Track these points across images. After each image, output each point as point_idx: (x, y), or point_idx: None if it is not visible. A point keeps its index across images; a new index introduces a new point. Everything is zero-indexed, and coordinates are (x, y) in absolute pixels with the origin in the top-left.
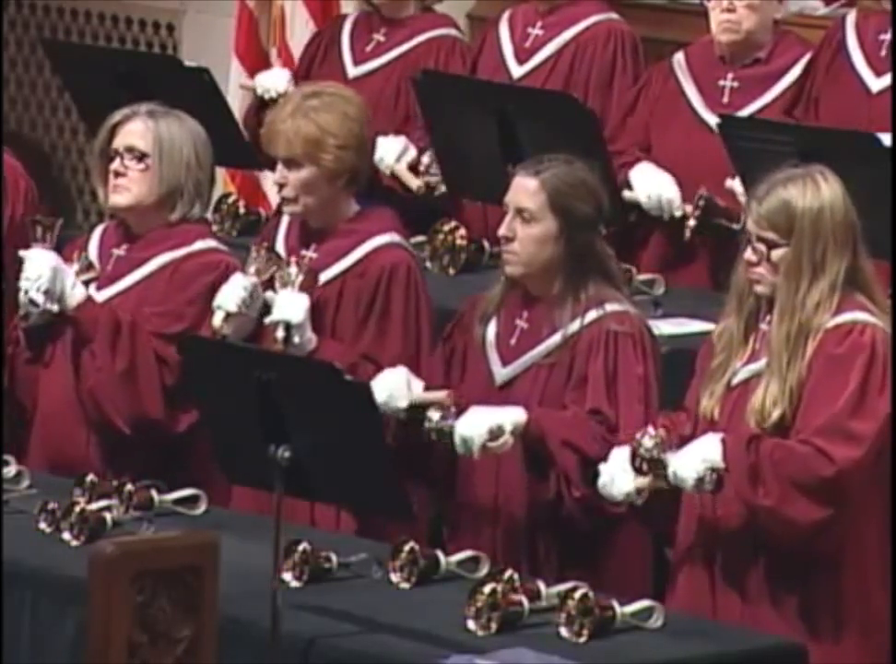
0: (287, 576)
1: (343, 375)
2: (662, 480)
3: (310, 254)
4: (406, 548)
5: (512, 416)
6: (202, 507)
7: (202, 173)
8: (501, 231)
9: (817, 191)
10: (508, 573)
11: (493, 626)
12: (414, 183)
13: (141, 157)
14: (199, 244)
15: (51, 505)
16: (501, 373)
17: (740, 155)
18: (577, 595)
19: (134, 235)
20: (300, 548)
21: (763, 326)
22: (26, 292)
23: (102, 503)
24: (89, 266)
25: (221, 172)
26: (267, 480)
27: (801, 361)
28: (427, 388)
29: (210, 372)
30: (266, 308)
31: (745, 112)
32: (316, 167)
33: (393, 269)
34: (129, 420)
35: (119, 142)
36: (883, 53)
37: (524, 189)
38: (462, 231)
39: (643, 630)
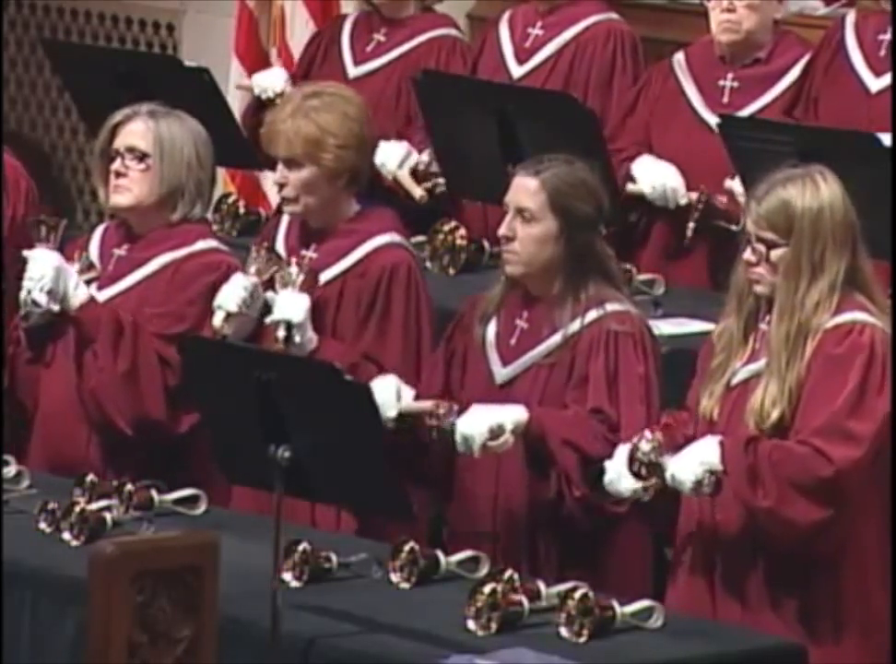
0: (287, 576)
1: (343, 375)
2: (660, 483)
3: (310, 254)
4: (406, 548)
5: (512, 415)
6: (202, 507)
7: (203, 173)
8: (502, 230)
9: (816, 191)
10: (508, 573)
11: (493, 626)
12: (417, 192)
13: (142, 157)
14: (200, 244)
15: (51, 505)
16: (501, 373)
17: (740, 155)
18: (577, 595)
19: (135, 235)
20: (300, 548)
21: (763, 326)
22: (29, 292)
23: (102, 503)
24: (90, 266)
25: (221, 172)
26: (267, 480)
27: (800, 361)
28: (427, 389)
29: (210, 372)
30: (267, 308)
31: (745, 112)
32: (317, 167)
33: (393, 269)
34: (131, 420)
35: (120, 142)
36: (882, 53)
37: (525, 189)
38: (462, 231)
39: (643, 630)
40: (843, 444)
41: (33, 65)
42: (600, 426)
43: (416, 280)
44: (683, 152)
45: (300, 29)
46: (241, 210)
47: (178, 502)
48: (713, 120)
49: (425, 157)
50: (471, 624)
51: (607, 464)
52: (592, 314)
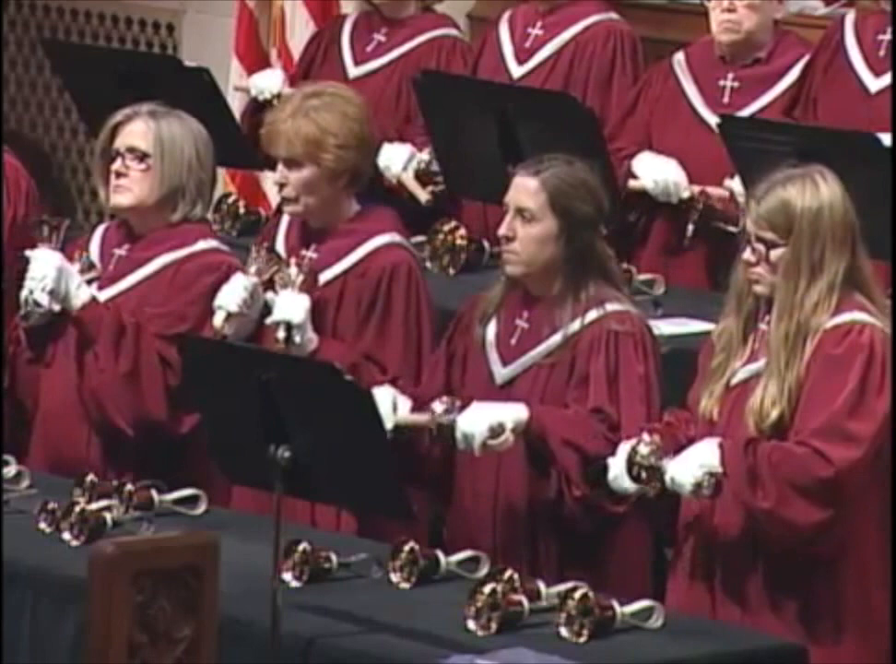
0: (287, 576)
1: (343, 375)
2: (660, 486)
3: (310, 254)
4: (406, 548)
5: (513, 413)
6: (202, 507)
7: (203, 173)
8: (502, 230)
9: (816, 191)
10: (508, 573)
11: (493, 626)
12: (423, 196)
13: (142, 157)
14: (201, 244)
15: (51, 505)
16: (501, 372)
17: (740, 155)
18: (577, 595)
19: (135, 235)
20: (300, 548)
21: (762, 326)
22: (31, 292)
23: (102, 503)
24: (91, 266)
25: (221, 172)
26: (267, 480)
27: (800, 361)
28: (428, 389)
29: (210, 372)
30: (267, 308)
31: (745, 112)
32: (317, 167)
33: (394, 269)
34: (132, 421)
35: (120, 142)
36: (882, 53)
37: (525, 189)
38: (462, 231)
39: (643, 630)
40: (843, 444)
41: (33, 65)
42: (600, 426)
43: (416, 280)
44: (683, 152)
45: (300, 29)
46: (241, 210)
47: (178, 502)
48: (713, 120)
49: (425, 156)
50: (471, 624)
51: (611, 461)
52: (592, 314)
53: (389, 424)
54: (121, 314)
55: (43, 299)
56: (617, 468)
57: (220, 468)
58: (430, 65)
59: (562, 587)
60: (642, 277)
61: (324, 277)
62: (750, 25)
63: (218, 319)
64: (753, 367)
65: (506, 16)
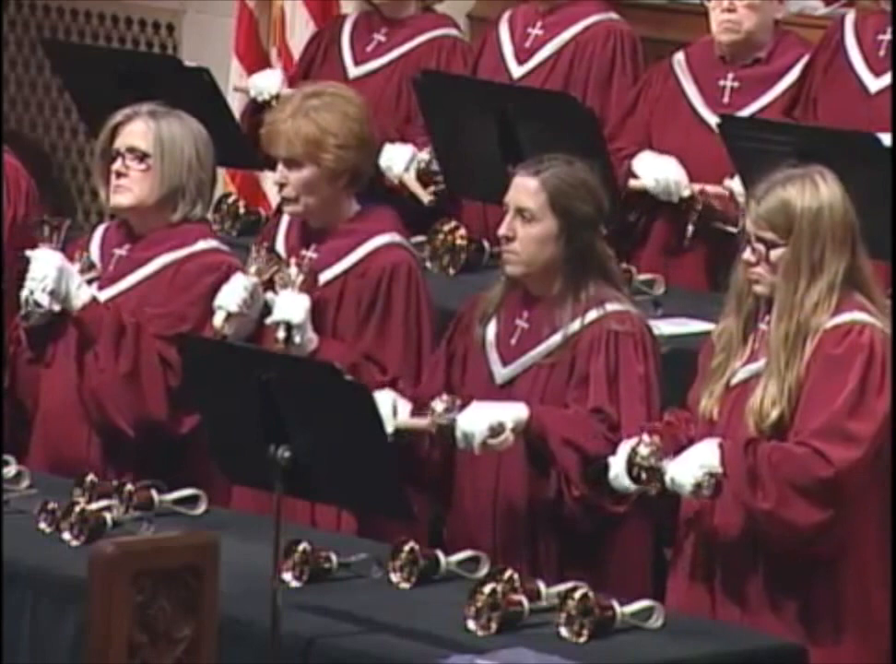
0: (287, 576)
1: (343, 375)
2: (660, 487)
3: (310, 254)
4: (406, 548)
5: (513, 413)
6: (202, 507)
7: (203, 173)
8: (502, 230)
9: (815, 191)
10: (508, 573)
11: (493, 626)
12: (425, 197)
13: (142, 157)
14: (201, 245)
15: (51, 505)
16: (501, 372)
17: (740, 155)
18: (577, 595)
19: (135, 235)
20: (300, 548)
21: (762, 326)
22: (31, 293)
23: (102, 503)
24: (91, 266)
25: (221, 172)
26: (267, 480)
27: (800, 361)
28: (428, 389)
29: (210, 372)
30: (267, 308)
31: (745, 113)
32: (317, 167)
33: (394, 269)
34: (132, 422)
35: (120, 142)
36: (882, 53)
37: (525, 189)
38: (462, 231)
39: (643, 630)
40: (843, 445)
41: (33, 65)
42: (600, 426)
43: (416, 280)
44: (683, 152)
45: (300, 29)
46: (241, 210)
47: (178, 502)
48: (713, 120)
49: (424, 155)
50: (471, 624)
51: (611, 460)
52: (592, 314)
53: (389, 428)
54: (121, 314)
55: (44, 299)
56: (618, 467)
57: (220, 468)
58: (431, 65)
59: (562, 587)
60: (642, 277)
61: (324, 277)
62: (750, 25)
63: (218, 319)
64: (753, 367)
65: (506, 16)
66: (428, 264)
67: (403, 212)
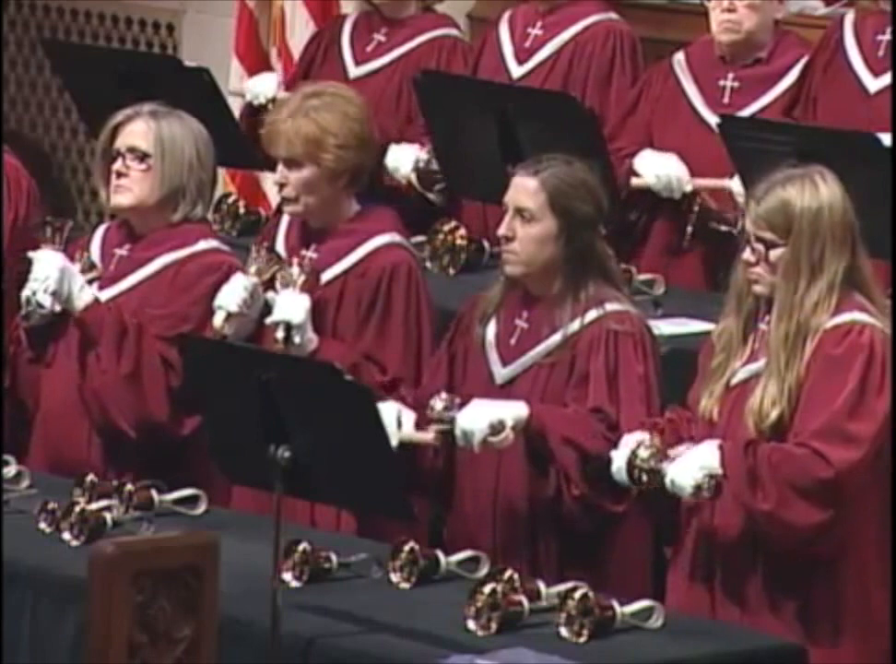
0: (287, 576)
1: (343, 375)
2: (660, 488)
3: (310, 254)
4: (406, 548)
5: (513, 411)
6: (202, 507)
7: (204, 173)
8: (501, 230)
9: (815, 191)
10: (508, 573)
11: (493, 626)
12: (437, 197)
13: (143, 157)
14: (202, 245)
15: (51, 505)
16: (501, 372)
17: (740, 155)
18: (577, 595)
19: (136, 235)
20: (300, 548)
21: (762, 326)
22: (33, 293)
23: (102, 503)
24: (91, 266)
25: (221, 172)
26: (267, 480)
27: (800, 361)
28: (429, 390)
29: (210, 372)
30: (267, 308)
31: (746, 113)
32: (317, 167)
33: (394, 269)
34: (134, 423)
35: (121, 142)
36: (881, 53)
37: (524, 189)
38: (462, 231)
39: (643, 630)
40: (843, 445)
41: (33, 65)
42: (600, 425)
43: (416, 280)
44: (683, 152)
45: (300, 29)
46: (241, 210)
47: (178, 502)
48: (713, 120)
49: (423, 155)
50: (471, 624)
51: (613, 453)
52: (592, 314)
53: (394, 442)
54: (123, 315)
55: (46, 300)
56: (620, 460)
57: (220, 469)
58: (431, 65)
59: (562, 587)
60: (642, 277)
61: (324, 277)
62: (750, 25)
63: (218, 319)
64: (753, 367)
65: (506, 16)
66: (428, 264)
67: (403, 212)
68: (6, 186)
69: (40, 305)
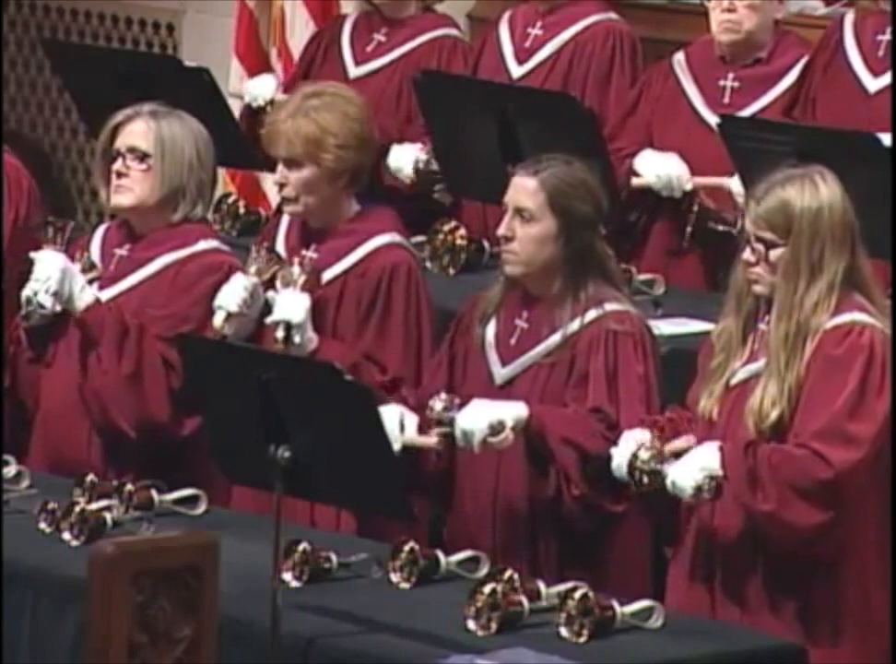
0: (287, 576)
1: (343, 375)
2: (661, 490)
3: (310, 254)
4: (406, 548)
5: (513, 411)
6: (202, 507)
7: (204, 173)
8: (501, 230)
9: (815, 191)
10: (508, 573)
11: (493, 626)
12: (445, 198)
13: (143, 157)
14: (202, 245)
15: (51, 505)
16: (500, 373)
17: (740, 155)
18: (577, 595)
19: (136, 235)
20: (300, 548)
21: (762, 327)
22: (35, 294)
23: (102, 503)
24: (92, 266)
25: (221, 172)
26: (267, 480)
27: (800, 361)
28: (430, 390)
29: (210, 372)
30: (267, 308)
31: (746, 113)
32: (317, 167)
33: (394, 269)
34: (135, 423)
35: (121, 142)
36: (881, 53)
37: (524, 189)
38: (462, 231)
39: (643, 630)
40: (843, 446)
41: (33, 65)
42: (599, 425)
43: (416, 280)
44: (683, 152)
45: (300, 29)
46: (241, 210)
47: (178, 502)
48: (713, 120)
49: (423, 155)
50: (471, 624)
51: (613, 450)
52: (591, 314)
53: (396, 446)
54: (124, 315)
55: (47, 301)
56: (620, 457)
57: (220, 469)
58: (431, 65)
59: (562, 587)
60: (642, 277)
61: (325, 277)
62: (750, 25)
63: (218, 319)
64: (753, 367)
65: (506, 16)
66: (428, 264)
67: (403, 212)
68: (7, 186)
69: (41, 306)
